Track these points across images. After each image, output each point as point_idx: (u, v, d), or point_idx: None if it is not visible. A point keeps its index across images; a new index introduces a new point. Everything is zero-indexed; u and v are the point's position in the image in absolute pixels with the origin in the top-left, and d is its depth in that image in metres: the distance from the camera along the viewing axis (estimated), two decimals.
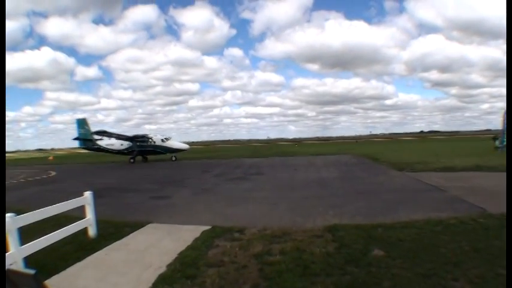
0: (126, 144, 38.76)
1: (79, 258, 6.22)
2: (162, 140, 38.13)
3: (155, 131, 45.70)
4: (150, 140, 38.02)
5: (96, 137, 39.63)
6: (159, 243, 7.06)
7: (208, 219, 9.04)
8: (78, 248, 6.83)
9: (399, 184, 14.29)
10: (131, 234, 7.83)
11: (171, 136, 40.67)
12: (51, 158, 67.80)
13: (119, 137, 38.31)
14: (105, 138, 39.39)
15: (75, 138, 40.70)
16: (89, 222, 7.71)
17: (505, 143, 26.34)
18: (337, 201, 10.98)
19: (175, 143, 39.10)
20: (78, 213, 7.84)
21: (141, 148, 38.09)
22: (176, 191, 15.09)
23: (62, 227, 6.91)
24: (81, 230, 7.48)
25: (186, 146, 40.07)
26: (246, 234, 7.51)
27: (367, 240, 6.58)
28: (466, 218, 7.77)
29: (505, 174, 14.37)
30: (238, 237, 7.30)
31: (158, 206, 11.67)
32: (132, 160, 37.76)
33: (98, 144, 40.72)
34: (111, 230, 8.13)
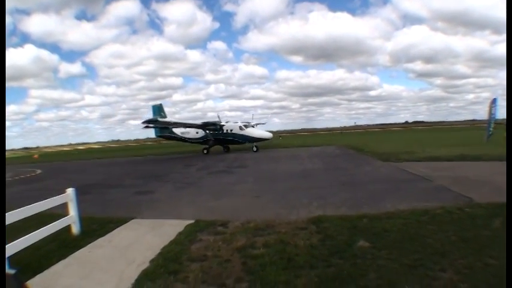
0: (201, 132, 35.03)
1: (63, 256, 6.20)
2: (240, 128, 33.79)
3: (236, 118, 40.52)
4: (223, 127, 33.93)
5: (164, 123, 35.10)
6: (143, 239, 7.10)
7: (191, 213, 9.01)
8: (61, 246, 6.82)
9: (384, 174, 14.35)
10: (115, 230, 7.85)
11: (252, 123, 37.67)
12: (36, 156, 66.81)
13: (178, 124, 34.85)
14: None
15: (147, 124, 34.18)
16: (72, 220, 7.67)
17: (491, 132, 26.80)
18: (322, 193, 10.95)
19: (256, 131, 34.69)
20: (64, 211, 7.76)
21: (216, 137, 34.37)
22: (157, 186, 14.75)
23: (46, 225, 6.87)
24: (65, 227, 7.47)
25: (268, 135, 34.78)
26: (229, 227, 7.51)
27: (352, 232, 6.55)
28: (453, 207, 7.81)
29: (490, 163, 14.68)
30: (222, 230, 7.28)
31: (142, 201, 11.49)
32: (205, 151, 34.52)
33: (174, 133, 36.99)
34: (95, 227, 8.13)
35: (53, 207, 7.16)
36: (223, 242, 6.51)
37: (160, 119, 32.33)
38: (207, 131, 34.23)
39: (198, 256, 5.82)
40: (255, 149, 32.98)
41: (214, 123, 33.76)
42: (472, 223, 6.61)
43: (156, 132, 38.66)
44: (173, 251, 6.14)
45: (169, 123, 34.00)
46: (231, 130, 33.92)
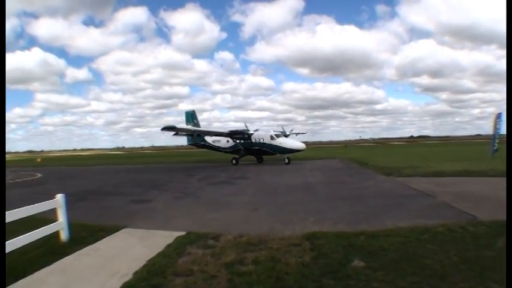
0: (231, 141, 33.48)
1: (47, 263, 6.13)
2: (271, 137, 31.61)
3: (269, 127, 37.38)
4: (252, 136, 32.14)
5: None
6: (130, 249, 6.99)
7: (185, 225, 8.84)
8: (48, 252, 6.75)
9: (386, 189, 14.08)
10: (104, 239, 7.77)
11: (286, 132, 36.12)
12: (39, 160, 67.71)
13: (201, 132, 33.76)
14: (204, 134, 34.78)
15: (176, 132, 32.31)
16: (60, 226, 7.60)
17: (495, 147, 26.50)
18: (320, 207, 10.71)
19: (288, 141, 32.10)
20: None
21: (246, 146, 32.60)
22: (155, 195, 14.63)
23: (34, 230, 6.88)
24: (55, 233, 7.46)
25: (301, 146, 32.00)
26: (220, 241, 7.30)
27: (348, 250, 6.26)
28: (455, 225, 7.51)
29: (495, 179, 14.38)
30: (212, 244, 7.08)
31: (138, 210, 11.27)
32: (234, 161, 32.83)
33: (206, 141, 35.85)
34: (84, 234, 8.06)
35: (42, 211, 7.14)
36: (212, 256, 6.30)
37: (178, 126, 30.23)
38: (236, 141, 32.92)
39: (184, 270, 5.63)
40: (286, 160, 31.01)
41: (241, 132, 32.32)
42: (474, 243, 6.31)
43: (188, 141, 37.75)
44: (159, 263, 5.97)
45: (189, 130, 32.75)
46: (262, 139, 32.14)
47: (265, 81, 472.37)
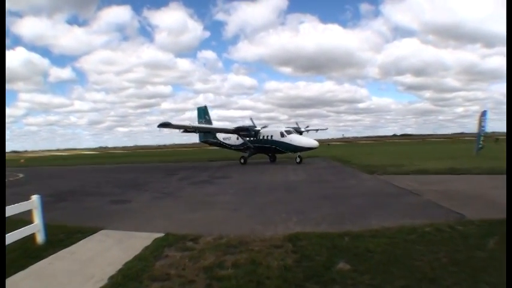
0: (241, 139, 31.22)
1: (22, 267, 5.95)
2: (282, 134, 29.06)
3: (277, 125, 33.33)
4: (259, 132, 29.66)
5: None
6: (107, 252, 6.84)
7: (163, 226, 8.62)
8: (23, 256, 6.58)
9: (370, 188, 13.94)
10: (81, 241, 7.60)
11: (300, 128, 33.79)
12: (22, 161, 67.01)
13: (199, 129, 32.38)
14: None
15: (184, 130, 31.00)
16: (36, 228, 7.40)
17: (480, 145, 26.79)
18: (303, 207, 10.48)
19: (299, 138, 29.33)
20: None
21: (255, 144, 30.30)
22: (134, 195, 14.22)
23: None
24: (31, 236, 7.27)
25: (313, 143, 29.09)
26: (199, 243, 7.08)
27: (332, 252, 6.01)
28: (443, 225, 7.33)
29: (481, 177, 14.41)
30: (191, 246, 6.87)
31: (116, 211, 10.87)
32: (242, 160, 30.71)
33: (217, 138, 34.15)
34: (61, 236, 7.88)
35: (18, 213, 6.97)
36: (190, 259, 6.07)
37: (174, 123, 27.64)
38: (246, 138, 30.67)
39: (161, 275, 5.41)
40: (298, 159, 28.44)
41: (247, 128, 29.87)
42: (464, 243, 6.11)
43: (200, 138, 36.40)
44: (135, 267, 5.74)
45: (187, 127, 30.56)
46: (271, 136, 29.68)
47: (248, 80, 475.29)
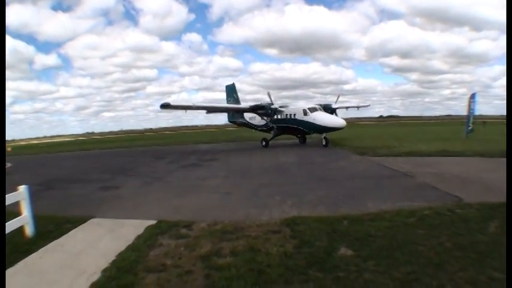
0: (265, 119, 28.32)
1: (11, 263, 5.68)
2: (305, 112, 25.58)
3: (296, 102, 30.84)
4: (279, 110, 26.88)
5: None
6: (98, 243, 6.66)
7: (155, 213, 8.44)
8: (12, 250, 6.18)
9: (362, 170, 13.94)
10: (71, 232, 7.39)
11: (330, 105, 30.07)
12: (9, 149, 65.56)
13: (202, 108, 28.63)
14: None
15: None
16: (25, 220, 7.12)
17: (470, 127, 27.00)
18: (296, 190, 10.39)
19: (322, 117, 25.30)
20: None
21: (278, 124, 27.30)
22: (123, 181, 13.93)
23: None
24: (19, 228, 6.97)
25: (340, 123, 25.17)
26: (193, 229, 6.93)
27: (332, 236, 5.98)
28: (441, 208, 7.34)
29: (474, 159, 14.54)
30: (185, 233, 6.73)
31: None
32: (263, 142, 28.19)
33: (244, 118, 31.47)
34: (51, 227, 7.60)
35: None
36: (186, 247, 5.95)
37: (173, 104, 24.26)
38: (266, 117, 27.87)
39: (156, 265, 5.26)
40: (324, 142, 25.17)
41: (263, 106, 26.71)
42: (465, 227, 6.11)
43: (228, 118, 34.66)
44: (129, 258, 5.58)
45: (190, 107, 25.77)
46: (293, 115, 26.39)
47: (233, 62, 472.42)
